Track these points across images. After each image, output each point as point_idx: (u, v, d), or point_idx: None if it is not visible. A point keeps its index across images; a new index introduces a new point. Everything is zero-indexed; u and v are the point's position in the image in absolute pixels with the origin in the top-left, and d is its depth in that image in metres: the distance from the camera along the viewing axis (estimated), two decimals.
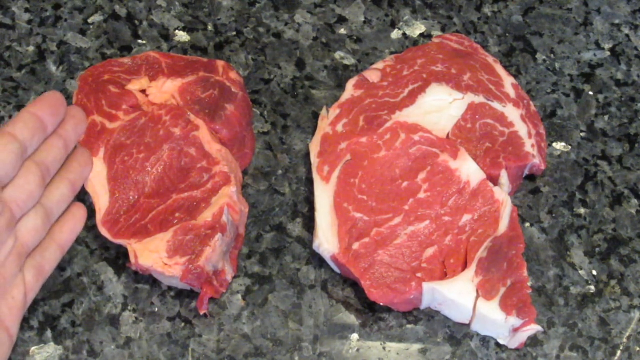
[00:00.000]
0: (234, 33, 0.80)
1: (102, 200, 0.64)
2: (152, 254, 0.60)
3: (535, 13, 0.83)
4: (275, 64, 0.78)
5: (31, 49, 0.78)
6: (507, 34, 0.81)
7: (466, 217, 0.64)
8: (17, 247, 0.51)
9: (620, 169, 0.73)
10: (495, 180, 0.67)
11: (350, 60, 0.79)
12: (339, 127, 0.69)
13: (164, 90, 0.69)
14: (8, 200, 0.50)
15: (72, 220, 0.57)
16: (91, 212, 0.67)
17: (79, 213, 0.57)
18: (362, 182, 0.66)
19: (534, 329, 0.60)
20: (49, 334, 0.62)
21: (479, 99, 0.70)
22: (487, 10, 0.83)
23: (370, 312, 0.64)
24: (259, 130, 0.74)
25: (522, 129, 0.69)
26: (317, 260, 0.66)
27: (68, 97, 0.74)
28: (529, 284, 0.64)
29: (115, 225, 0.63)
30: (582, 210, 0.71)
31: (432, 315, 0.64)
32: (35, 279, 0.53)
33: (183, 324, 0.63)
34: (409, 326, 0.64)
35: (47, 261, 0.54)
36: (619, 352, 0.64)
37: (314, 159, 0.68)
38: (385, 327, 0.64)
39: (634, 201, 0.71)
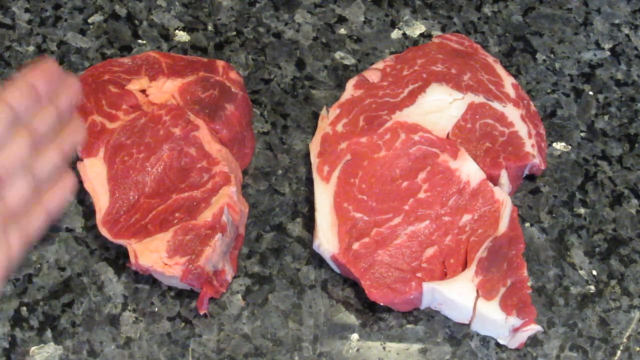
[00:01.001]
0: (234, 33, 0.80)
1: (102, 200, 0.63)
2: (152, 254, 0.60)
3: (535, 13, 0.83)
4: (275, 64, 0.78)
5: (31, 49, 0.78)
6: (507, 34, 0.81)
7: (466, 217, 0.64)
8: (2, 211, 0.52)
9: (620, 169, 0.73)
10: (495, 180, 0.67)
11: (350, 60, 0.79)
12: (339, 127, 0.69)
13: (164, 90, 0.69)
14: None
15: (61, 188, 0.57)
16: (91, 212, 0.67)
17: (68, 180, 0.58)
18: (362, 182, 0.66)
19: (534, 328, 0.60)
20: (49, 333, 0.62)
21: (479, 98, 0.70)
22: (487, 10, 0.83)
23: (370, 312, 0.64)
24: (259, 130, 0.74)
25: (522, 128, 0.69)
26: (317, 260, 0.66)
27: None
28: (529, 284, 0.64)
29: (115, 225, 0.63)
30: (582, 210, 0.71)
31: (432, 315, 0.64)
32: (19, 244, 0.54)
33: (183, 324, 0.63)
34: (409, 326, 0.64)
35: (32, 227, 0.55)
36: (619, 352, 0.64)
37: (314, 159, 0.68)
38: (385, 327, 0.64)
39: (634, 201, 0.71)
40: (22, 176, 0.53)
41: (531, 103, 0.72)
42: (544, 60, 0.80)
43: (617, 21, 0.83)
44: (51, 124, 0.55)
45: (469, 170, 0.66)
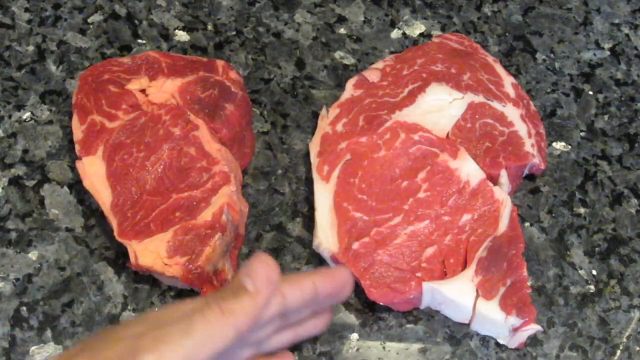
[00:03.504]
0: (234, 33, 0.80)
1: (104, 195, 0.63)
2: (152, 254, 0.60)
3: (535, 13, 0.83)
4: (275, 64, 0.78)
5: (31, 48, 0.78)
6: (507, 34, 0.81)
7: (466, 217, 0.64)
8: None
9: (620, 169, 0.73)
10: (495, 180, 0.67)
11: (350, 60, 0.79)
12: (339, 127, 0.69)
13: (164, 90, 0.69)
14: None
15: None
16: (91, 212, 0.67)
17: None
18: (362, 182, 0.66)
19: (534, 328, 0.60)
20: (49, 334, 0.62)
21: (479, 98, 0.70)
22: (487, 10, 0.83)
23: (370, 312, 0.64)
24: (259, 130, 0.74)
25: (522, 128, 0.69)
26: (317, 260, 0.66)
27: (68, 97, 0.74)
28: (529, 283, 0.64)
29: (124, 221, 0.62)
30: (582, 210, 0.71)
31: (432, 315, 0.64)
32: None
33: None
34: (409, 326, 0.64)
35: None
36: (619, 352, 0.64)
37: (314, 159, 0.68)
38: (385, 327, 0.64)
39: (634, 201, 0.71)
40: (248, 347, 0.53)
41: (531, 103, 0.72)
42: (544, 60, 0.80)
43: (617, 21, 0.83)
44: (306, 318, 0.55)
45: (469, 170, 0.66)
